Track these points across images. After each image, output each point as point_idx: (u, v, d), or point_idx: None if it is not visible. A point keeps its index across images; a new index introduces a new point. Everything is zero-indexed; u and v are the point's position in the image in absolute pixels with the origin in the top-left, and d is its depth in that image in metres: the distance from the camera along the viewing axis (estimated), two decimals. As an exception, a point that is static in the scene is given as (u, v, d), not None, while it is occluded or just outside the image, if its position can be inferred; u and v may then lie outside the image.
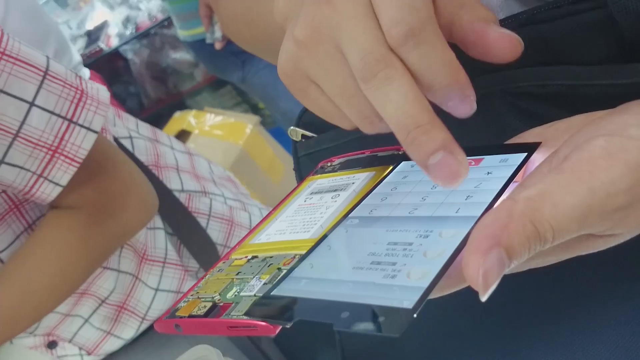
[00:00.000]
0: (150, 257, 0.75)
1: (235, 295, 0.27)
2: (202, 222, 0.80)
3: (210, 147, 1.85)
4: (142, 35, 2.52)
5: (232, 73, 1.73)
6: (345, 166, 0.36)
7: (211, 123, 1.97)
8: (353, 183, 0.33)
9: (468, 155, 0.29)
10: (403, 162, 0.32)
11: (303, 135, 0.44)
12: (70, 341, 0.74)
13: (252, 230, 0.33)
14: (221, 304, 0.27)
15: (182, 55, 2.53)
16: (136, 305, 0.75)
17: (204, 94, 2.69)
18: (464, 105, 0.26)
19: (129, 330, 0.76)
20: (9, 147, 0.54)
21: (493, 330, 0.38)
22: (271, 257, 0.29)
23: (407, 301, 0.22)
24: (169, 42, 2.52)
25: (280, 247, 0.30)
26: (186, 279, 0.79)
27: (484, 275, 0.20)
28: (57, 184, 0.58)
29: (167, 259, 0.76)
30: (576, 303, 0.35)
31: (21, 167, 0.56)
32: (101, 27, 2.64)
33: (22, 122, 0.54)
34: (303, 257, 0.27)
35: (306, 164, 0.44)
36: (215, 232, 0.81)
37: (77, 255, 0.64)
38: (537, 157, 0.27)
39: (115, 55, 2.55)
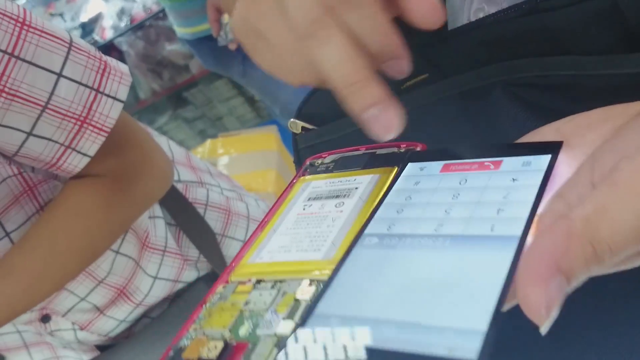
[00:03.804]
0: (151, 245, 0.75)
1: (250, 333, 0.23)
2: (200, 211, 0.80)
3: (246, 160, 1.94)
4: (137, 27, 2.50)
5: (233, 67, 1.71)
6: (342, 165, 0.32)
7: (236, 141, 2.07)
8: (356, 188, 0.30)
9: (485, 157, 0.27)
10: (409, 164, 0.30)
11: (303, 128, 0.44)
12: (63, 315, 0.74)
13: (247, 244, 0.29)
14: (234, 344, 0.23)
15: (177, 47, 2.51)
16: (134, 291, 0.76)
17: (199, 87, 2.68)
18: (398, 65, 0.28)
19: (121, 313, 0.77)
20: (38, 119, 0.55)
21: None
22: (281, 281, 0.26)
23: (468, 350, 0.19)
24: (164, 33, 2.50)
25: (289, 270, 0.26)
26: (185, 268, 0.79)
27: (547, 307, 0.19)
28: (84, 155, 0.59)
29: (167, 247, 0.76)
30: (576, 303, 0.35)
31: (49, 139, 0.56)
32: (95, 19, 2.62)
33: (51, 94, 0.55)
34: (325, 288, 0.24)
35: (307, 156, 0.44)
36: (212, 221, 0.81)
37: (101, 218, 0.64)
38: (560, 157, 0.26)
39: (110, 47, 2.53)
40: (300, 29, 0.26)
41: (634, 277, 0.33)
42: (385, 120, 0.26)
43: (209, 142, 2.13)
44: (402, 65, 0.28)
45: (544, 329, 0.20)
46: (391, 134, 0.26)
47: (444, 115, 0.38)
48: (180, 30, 1.72)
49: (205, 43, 1.66)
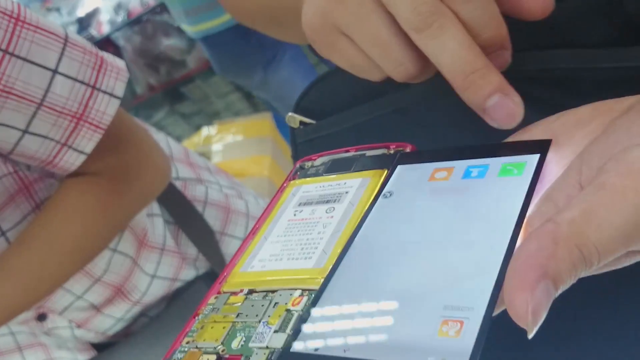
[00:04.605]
0: (149, 243, 0.74)
1: (242, 345, 0.24)
2: (199, 209, 0.80)
3: (241, 146, 1.96)
4: (134, 22, 2.49)
5: (255, 72, 1.60)
6: (331, 168, 0.32)
7: (231, 128, 2.08)
8: (347, 192, 0.29)
9: (473, 157, 0.27)
10: (399, 167, 0.29)
11: (301, 122, 0.43)
12: (60, 314, 0.74)
13: (239, 252, 0.29)
14: (227, 356, 0.24)
15: (174, 42, 2.50)
16: (132, 289, 0.75)
17: (197, 82, 2.67)
18: (502, 57, 0.28)
19: (118, 311, 0.76)
20: (33, 116, 0.54)
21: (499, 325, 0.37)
22: (273, 292, 0.26)
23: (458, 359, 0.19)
24: (161, 28, 2.49)
25: (280, 280, 0.26)
26: (183, 267, 0.78)
27: (534, 312, 0.19)
28: (81, 152, 0.58)
29: (166, 246, 0.76)
30: (578, 301, 0.35)
31: (45, 137, 0.56)
32: (92, 14, 2.61)
33: (46, 91, 0.54)
34: (316, 299, 0.24)
35: (305, 151, 0.44)
36: (211, 219, 0.80)
37: (99, 217, 0.64)
38: (549, 155, 0.26)
39: (107, 42, 2.52)
40: (414, 21, 0.26)
41: (625, 271, 0.33)
42: (508, 107, 0.26)
43: (203, 129, 2.14)
44: (506, 56, 0.28)
45: (530, 334, 0.19)
46: (515, 122, 0.26)
47: (444, 109, 0.38)
48: (199, 28, 1.57)
49: (228, 42, 1.54)
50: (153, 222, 0.75)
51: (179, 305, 0.78)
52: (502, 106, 0.26)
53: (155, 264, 0.76)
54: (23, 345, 0.75)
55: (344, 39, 0.29)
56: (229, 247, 0.81)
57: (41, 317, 0.74)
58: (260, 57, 1.56)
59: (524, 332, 0.37)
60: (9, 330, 0.73)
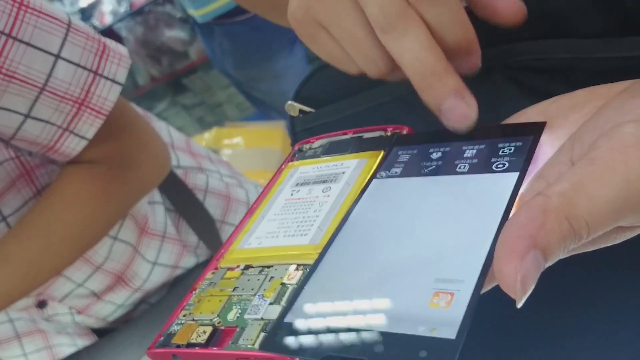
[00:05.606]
0: (150, 231, 0.75)
1: (238, 317, 0.24)
2: (199, 197, 0.80)
3: (248, 155, 1.97)
4: (137, 13, 2.48)
5: (279, 58, 1.54)
6: (329, 150, 0.33)
7: (241, 132, 2.09)
8: (343, 172, 0.30)
9: (469, 139, 0.28)
10: (395, 148, 0.30)
11: (301, 111, 0.44)
12: (60, 301, 0.75)
13: (236, 231, 0.30)
14: (222, 328, 0.24)
15: (177, 33, 2.50)
16: (132, 277, 0.76)
17: (199, 73, 2.67)
18: (470, 61, 0.29)
19: (119, 298, 0.77)
20: (35, 101, 0.55)
21: (498, 326, 0.38)
22: (269, 267, 0.26)
23: (447, 329, 0.19)
24: (163, 19, 2.49)
25: (276, 255, 0.27)
26: (184, 254, 0.79)
27: (522, 281, 0.19)
28: (82, 138, 0.58)
29: (166, 233, 0.76)
30: (578, 300, 0.35)
31: (47, 122, 0.56)
32: (95, 5, 2.60)
33: (49, 75, 0.55)
34: (311, 272, 0.24)
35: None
36: (212, 207, 0.81)
37: (98, 206, 0.64)
38: (544, 138, 0.27)
39: (109, 33, 2.52)
40: (381, 22, 0.27)
41: (620, 270, 0.33)
42: (462, 110, 0.27)
43: (215, 130, 2.14)
44: (474, 61, 0.29)
45: (519, 303, 0.20)
46: (468, 124, 0.27)
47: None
48: (205, 10, 1.48)
49: (252, 32, 1.49)
50: (154, 209, 0.76)
51: (179, 292, 0.79)
52: (456, 108, 0.27)
53: (156, 251, 0.76)
54: (22, 333, 0.75)
55: (324, 32, 0.30)
56: (228, 235, 0.81)
57: (41, 304, 0.75)
58: (286, 40, 1.52)
59: (518, 333, 0.38)
60: (8, 317, 0.74)
